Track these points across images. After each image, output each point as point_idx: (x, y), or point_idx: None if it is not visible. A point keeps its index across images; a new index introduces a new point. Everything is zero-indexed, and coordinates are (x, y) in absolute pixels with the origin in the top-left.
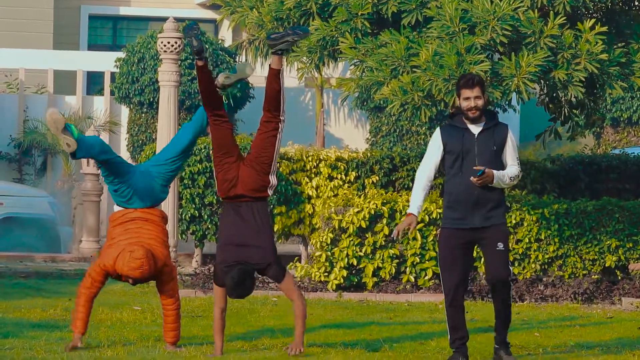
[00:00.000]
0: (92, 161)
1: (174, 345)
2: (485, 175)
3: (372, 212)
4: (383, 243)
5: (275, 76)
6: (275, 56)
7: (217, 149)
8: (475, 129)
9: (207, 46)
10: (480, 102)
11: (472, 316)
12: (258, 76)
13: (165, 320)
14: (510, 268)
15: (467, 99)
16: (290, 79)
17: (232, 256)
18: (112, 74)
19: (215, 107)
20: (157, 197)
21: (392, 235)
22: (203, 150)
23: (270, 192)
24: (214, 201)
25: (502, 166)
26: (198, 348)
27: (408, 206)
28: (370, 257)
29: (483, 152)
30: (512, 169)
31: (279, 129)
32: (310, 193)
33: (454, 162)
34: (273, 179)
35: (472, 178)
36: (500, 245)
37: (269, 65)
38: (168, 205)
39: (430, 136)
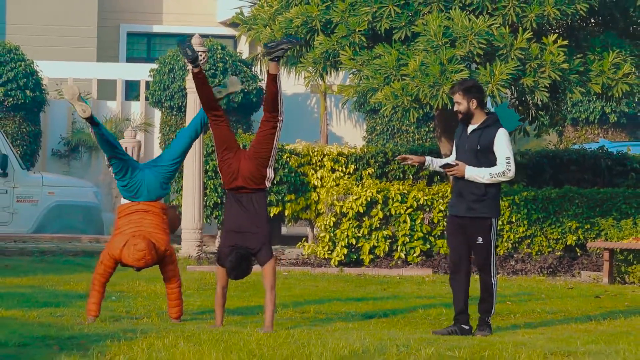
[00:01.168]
0: (131, 155)
1: (178, 320)
2: (453, 167)
3: (369, 199)
4: (378, 225)
5: (272, 80)
6: (272, 62)
7: (218, 145)
8: (469, 129)
9: (227, 58)
10: (461, 107)
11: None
12: None
13: (168, 298)
14: (493, 258)
15: (454, 104)
16: (298, 86)
17: (232, 241)
18: (147, 82)
19: (213, 108)
20: (159, 193)
21: (396, 158)
22: None
23: (268, 184)
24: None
25: (489, 164)
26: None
27: (399, 194)
28: (367, 237)
29: (468, 149)
30: (497, 167)
31: (278, 128)
32: (316, 183)
33: (456, 154)
34: (270, 172)
35: (441, 167)
36: (480, 240)
37: (267, 70)
38: (195, 194)
39: (418, 134)
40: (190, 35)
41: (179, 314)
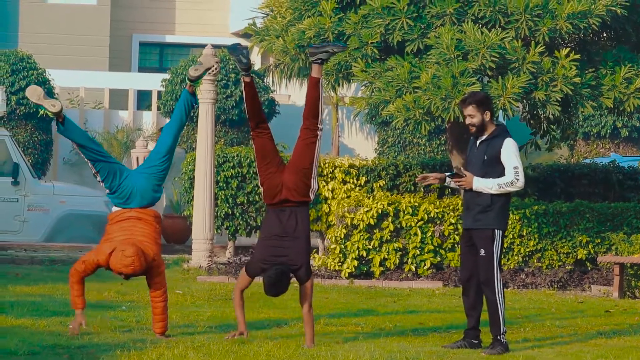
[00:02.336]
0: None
1: (163, 335)
2: (460, 177)
3: (380, 211)
4: (389, 238)
5: (314, 84)
6: (315, 65)
7: (260, 158)
8: (479, 141)
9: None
10: (474, 120)
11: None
12: (282, 95)
13: (153, 312)
14: (496, 271)
15: (465, 117)
16: None
17: (270, 255)
18: (159, 92)
19: (259, 121)
20: (152, 197)
21: (417, 180)
22: (235, 158)
23: (312, 195)
24: (245, 201)
25: (497, 174)
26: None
27: (410, 207)
28: (377, 249)
29: (477, 161)
30: (505, 177)
31: (318, 137)
32: (327, 195)
33: (467, 167)
34: (314, 183)
35: (449, 177)
36: (482, 252)
37: (309, 74)
38: (205, 205)
39: (429, 147)
40: (239, 44)
41: (163, 329)
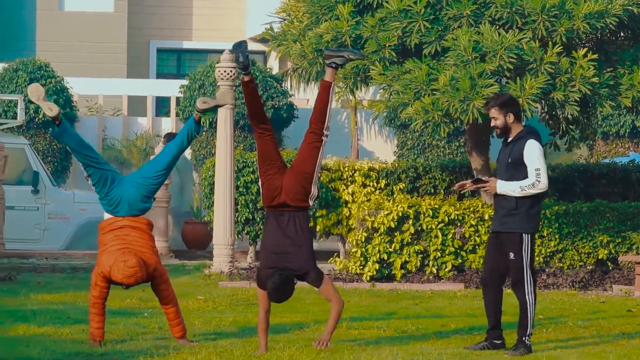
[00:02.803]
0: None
1: (184, 339)
2: (482, 182)
3: (400, 214)
4: (409, 240)
5: (325, 88)
6: (329, 69)
7: (261, 160)
8: (506, 143)
9: (257, 74)
10: (497, 122)
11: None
12: (301, 99)
13: (167, 318)
14: (526, 274)
15: (490, 119)
16: None
17: (274, 262)
18: (177, 98)
19: (260, 121)
20: (140, 207)
21: (454, 187)
22: (255, 163)
23: (311, 202)
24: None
25: (522, 177)
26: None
27: (431, 209)
28: (398, 252)
29: (502, 163)
30: (527, 179)
31: (322, 142)
32: (347, 198)
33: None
34: (315, 189)
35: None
36: (511, 255)
37: (322, 77)
38: (225, 210)
39: (448, 149)
40: (244, 41)
41: (182, 332)
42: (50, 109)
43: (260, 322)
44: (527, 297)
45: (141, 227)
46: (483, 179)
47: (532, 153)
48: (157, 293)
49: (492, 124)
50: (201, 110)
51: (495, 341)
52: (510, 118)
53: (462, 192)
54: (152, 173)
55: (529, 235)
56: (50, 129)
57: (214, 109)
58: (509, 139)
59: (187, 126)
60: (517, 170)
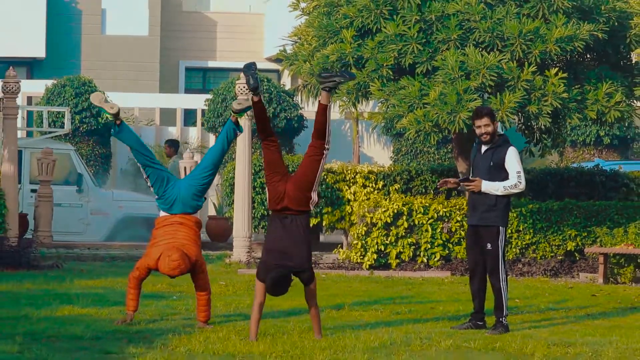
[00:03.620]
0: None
1: (205, 323)
2: (469, 182)
3: (395, 211)
4: (403, 234)
5: (322, 109)
6: (324, 92)
7: (267, 167)
8: (483, 148)
9: (272, 89)
10: (489, 129)
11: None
12: (310, 111)
13: (198, 303)
14: (500, 263)
15: (479, 127)
16: (334, 113)
17: (275, 259)
18: (203, 110)
19: (267, 134)
20: (193, 205)
21: (438, 185)
22: None
23: (312, 207)
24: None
25: (500, 178)
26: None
27: (422, 207)
28: (394, 244)
29: (482, 167)
30: (509, 180)
31: (323, 155)
32: (349, 197)
33: (472, 172)
34: (315, 196)
35: (460, 182)
36: (488, 246)
37: (319, 100)
38: (244, 207)
39: (438, 155)
40: (254, 63)
41: (206, 318)
42: (112, 107)
43: (254, 312)
44: (501, 283)
45: (189, 224)
46: (470, 178)
47: (514, 158)
48: (195, 281)
49: (484, 130)
50: (237, 111)
51: (478, 322)
52: (497, 127)
53: (441, 189)
54: (200, 174)
55: (504, 229)
56: (112, 129)
57: (247, 109)
58: (489, 146)
59: (226, 129)
60: (497, 173)
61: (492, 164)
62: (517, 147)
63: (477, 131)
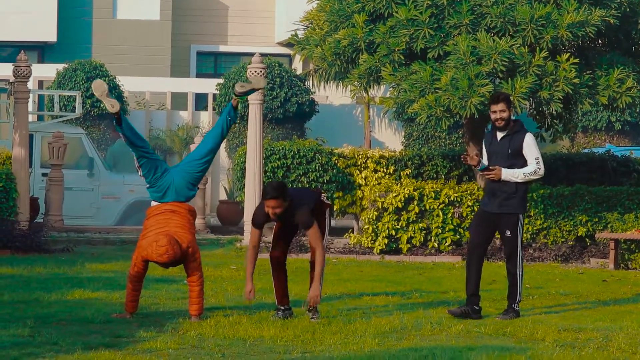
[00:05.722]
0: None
1: (198, 317)
2: (489, 170)
3: (406, 196)
4: (414, 219)
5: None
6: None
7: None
8: (499, 135)
9: (283, 74)
10: (505, 115)
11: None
12: (321, 96)
13: (190, 294)
14: (519, 249)
15: (494, 112)
16: (345, 98)
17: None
18: (214, 94)
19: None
20: (186, 194)
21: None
22: (280, 151)
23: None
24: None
25: (521, 165)
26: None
27: (433, 192)
28: (405, 229)
29: (501, 153)
30: (528, 167)
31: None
32: (360, 182)
33: (487, 159)
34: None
35: (480, 172)
36: (507, 233)
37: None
38: (255, 192)
39: (449, 140)
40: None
41: (198, 312)
42: (112, 106)
43: (249, 257)
44: (518, 269)
45: (181, 211)
46: (490, 167)
47: (532, 145)
48: (187, 269)
49: (499, 116)
50: (239, 94)
51: (474, 307)
52: (512, 112)
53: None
54: (195, 162)
55: (523, 216)
56: (114, 124)
57: (249, 92)
58: (505, 133)
59: (225, 113)
60: (516, 160)
61: (510, 151)
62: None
63: (493, 116)
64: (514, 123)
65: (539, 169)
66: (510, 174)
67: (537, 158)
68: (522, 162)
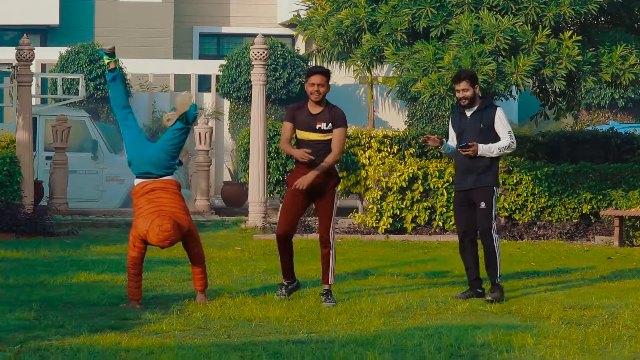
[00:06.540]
0: (204, 140)
1: (203, 293)
2: (468, 147)
3: (410, 175)
4: (419, 198)
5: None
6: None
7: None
8: (468, 113)
9: (286, 54)
10: (468, 93)
11: None
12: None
13: (193, 272)
14: (493, 222)
15: (457, 91)
16: (348, 78)
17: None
18: (217, 76)
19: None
20: (167, 165)
21: (420, 140)
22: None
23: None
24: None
25: (494, 140)
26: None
27: (437, 171)
28: (409, 208)
29: (472, 130)
30: (502, 141)
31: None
32: (364, 162)
33: (457, 138)
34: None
35: (458, 149)
36: (482, 204)
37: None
38: (259, 172)
39: None
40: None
41: (203, 287)
42: (107, 45)
43: (285, 145)
44: (494, 242)
45: (171, 188)
46: (468, 144)
47: (503, 119)
48: (187, 250)
49: (462, 95)
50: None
51: (478, 290)
52: (477, 90)
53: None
54: (170, 134)
55: (497, 188)
56: (107, 75)
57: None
58: (475, 109)
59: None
60: (488, 135)
61: (482, 126)
62: (532, 110)
63: (457, 95)
64: (481, 99)
65: (512, 142)
66: (486, 149)
67: (509, 132)
68: (493, 137)
